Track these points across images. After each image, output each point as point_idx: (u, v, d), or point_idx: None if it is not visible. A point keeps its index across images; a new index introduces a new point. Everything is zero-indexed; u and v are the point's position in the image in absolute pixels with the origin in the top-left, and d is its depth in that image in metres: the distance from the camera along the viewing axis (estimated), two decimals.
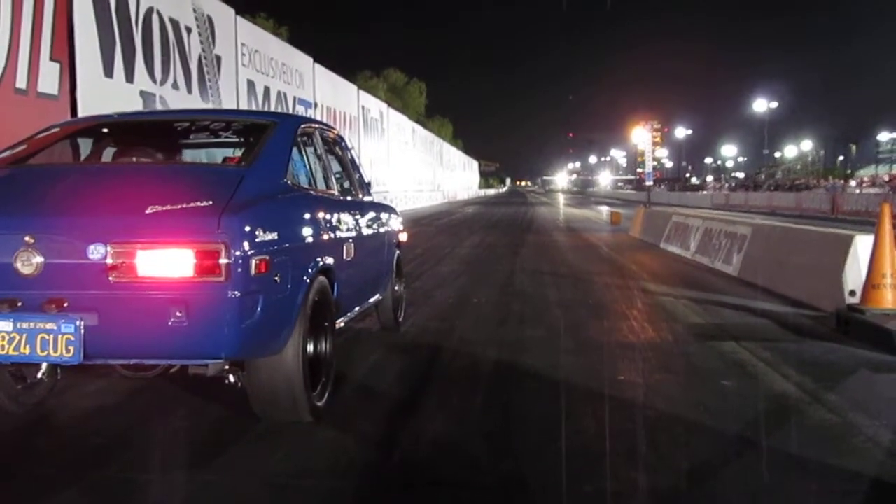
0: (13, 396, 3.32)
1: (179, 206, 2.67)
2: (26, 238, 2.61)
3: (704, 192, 52.44)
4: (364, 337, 5.29)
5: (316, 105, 19.04)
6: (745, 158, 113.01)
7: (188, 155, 4.60)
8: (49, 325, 2.58)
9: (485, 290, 7.72)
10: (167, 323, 2.56)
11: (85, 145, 4.06)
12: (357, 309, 4.32)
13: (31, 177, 3.21)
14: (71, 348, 2.59)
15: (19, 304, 2.62)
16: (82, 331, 2.58)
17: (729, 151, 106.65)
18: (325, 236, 3.55)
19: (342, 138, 4.84)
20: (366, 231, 4.41)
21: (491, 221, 23.77)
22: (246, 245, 2.64)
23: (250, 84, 14.50)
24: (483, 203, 49.00)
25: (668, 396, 3.80)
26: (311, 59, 19.04)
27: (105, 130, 4.10)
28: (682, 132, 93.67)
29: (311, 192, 3.77)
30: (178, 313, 2.55)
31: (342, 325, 3.94)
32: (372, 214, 4.70)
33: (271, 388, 3.03)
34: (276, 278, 2.84)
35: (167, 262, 2.55)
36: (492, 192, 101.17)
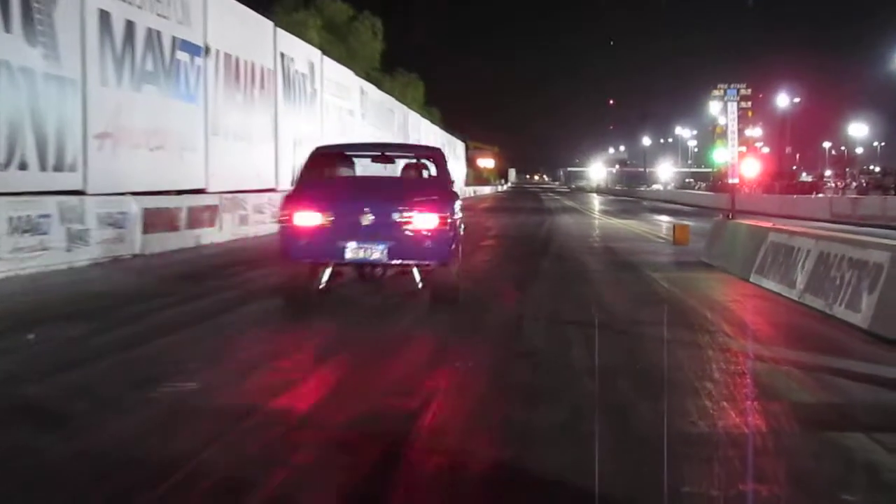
0: (315, 286, 10.14)
1: (432, 197, 10.30)
2: (365, 208, 9.66)
3: (819, 196, 53.19)
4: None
5: (208, 51, 19.07)
6: (884, 143, 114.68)
7: (389, 169, 13.13)
8: (375, 246, 9.65)
9: (473, 349, 7.78)
10: (425, 245, 9.77)
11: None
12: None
13: (348, 182, 11.50)
14: (384, 255, 9.71)
15: (360, 237, 9.72)
16: (387, 249, 9.68)
17: (859, 132, 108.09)
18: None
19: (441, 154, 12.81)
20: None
21: (487, 239, 23.77)
22: (453, 214, 10.34)
23: (104, 16, 14.58)
24: (471, 209, 49.03)
25: None
26: None
27: (347, 154, 12.60)
28: (784, 101, 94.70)
29: (457, 192, 11.95)
30: (429, 242, 9.76)
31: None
32: (460, 203, 12.00)
33: (444, 281, 10.11)
34: (460, 229, 11.22)
35: (425, 220, 9.76)
36: (487, 190, 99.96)
